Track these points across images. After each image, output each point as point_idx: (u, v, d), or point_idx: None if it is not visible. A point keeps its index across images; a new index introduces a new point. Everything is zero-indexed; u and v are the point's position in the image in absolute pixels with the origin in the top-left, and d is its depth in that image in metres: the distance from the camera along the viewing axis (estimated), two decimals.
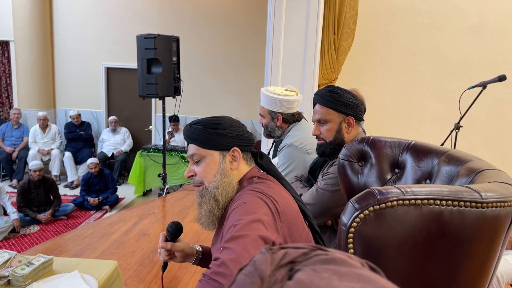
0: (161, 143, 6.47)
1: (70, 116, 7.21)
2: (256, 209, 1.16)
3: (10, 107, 7.68)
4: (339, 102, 1.81)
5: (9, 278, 1.82)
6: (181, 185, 6.07)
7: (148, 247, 3.37)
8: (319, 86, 4.40)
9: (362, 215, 0.91)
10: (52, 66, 7.53)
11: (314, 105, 1.90)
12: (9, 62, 7.63)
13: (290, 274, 0.42)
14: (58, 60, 7.53)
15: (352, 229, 0.92)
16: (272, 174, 1.39)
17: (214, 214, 1.31)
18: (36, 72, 7.24)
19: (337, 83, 4.51)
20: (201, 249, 1.52)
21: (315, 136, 1.91)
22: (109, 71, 7.51)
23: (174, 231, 1.43)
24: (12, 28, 7.13)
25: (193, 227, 3.72)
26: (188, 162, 5.23)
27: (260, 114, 2.44)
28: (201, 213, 1.34)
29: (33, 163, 5.57)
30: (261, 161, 1.40)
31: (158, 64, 4.47)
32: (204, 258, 1.51)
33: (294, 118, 2.38)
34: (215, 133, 1.29)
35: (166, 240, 1.45)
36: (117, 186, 6.41)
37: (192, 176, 1.36)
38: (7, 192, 5.26)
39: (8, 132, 7.03)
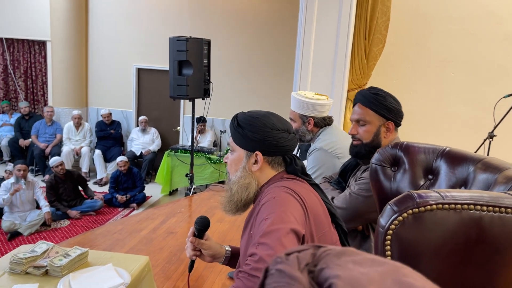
0: (189, 144, 6.57)
1: (102, 115, 7.41)
2: (286, 203, 1.19)
3: (45, 104, 7.95)
4: (382, 105, 1.78)
5: (47, 268, 1.90)
6: (206, 186, 6.14)
7: (176, 245, 3.42)
8: (348, 91, 4.39)
9: (400, 218, 0.92)
10: (86, 66, 7.76)
11: (354, 104, 1.87)
12: (45, 61, 7.90)
13: (312, 276, 0.43)
14: (92, 60, 7.76)
15: (390, 231, 0.92)
16: (303, 178, 1.39)
17: (227, 206, 1.39)
18: (70, 72, 7.48)
19: None
20: (230, 249, 1.54)
21: (351, 136, 1.87)
22: (140, 72, 7.68)
23: (203, 225, 1.46)
24: (49, 28, 7.40)
25: (219, 227, 3.76)
26: (214, 163, 5.31)
27: (290, 119, 2.44)
28: (222, 198, 1.42)
29: (53, 160, 5.75)
30: (290, 169, 1.38)
31: (189, 66, 4.55)
32: (233, 258, 1.53)
33: (325, 122, 2.37)
34: (243, 133, 1.33)
35: (194, 235, 1.47)
36: (145, 185, 6.54)
37: (226, 162, 1.44)
38: (41, 187, 5.44)
39: (42, 129, 7.28)
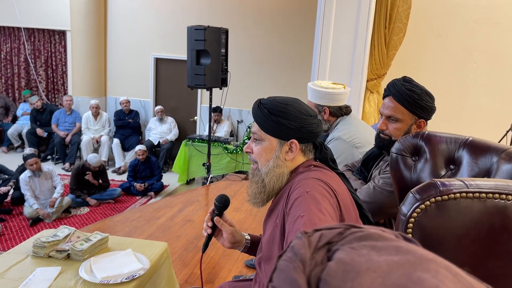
0: (206, 134, 6.60)
1: (120, 102, 7.49)
2: (320, 199, 1.16)
3: (65, 93, 8.07)
4: (417, 104, 1.71)
5: (69, 252, 1.94)
6: (223, 176, 6.17)
7: (193, 233, 3.46)
8: (367, 81, 4.33)
9: (423, 206, 0.90)
10: (105, 56, 7.84)
11: (385, 96, 1.80)
12: (65, 51, 8.01)
13: (329, 255, 0.42)
14: (110, 50, 7.83)
15: (412, 219, 0.91)
16: (330, 166, 1.37)
17: (258, 197, 1.35)
18: (89, 61, 7.57)
19: (386, 78, 4.42)
20: (250, 238, 1.54)
21: (379, 131, 1.83)
22: (158, 61, 7.73)
23: (222, 202, 1.45)
24: (69, 18, 7.48)
25: (235, 216, 3.79)
26: (231, 153, 5.30)
27: None
28: (248, 192, 1.38)
29: (94, 162, 5.72)
30: (320, 155, 1.37)
31: (207, 56, 4.55)
32: (252, 246, 1.53)
33: (341, 112, 2.34)
34: (277, 122, 1.28)
35: (214, 213, 1.47)
36: (162, 174, 6.61)
37: (249, 152, 1.39)
38: (58, 174, 5.55)
39: (61, 118, 7.41)
